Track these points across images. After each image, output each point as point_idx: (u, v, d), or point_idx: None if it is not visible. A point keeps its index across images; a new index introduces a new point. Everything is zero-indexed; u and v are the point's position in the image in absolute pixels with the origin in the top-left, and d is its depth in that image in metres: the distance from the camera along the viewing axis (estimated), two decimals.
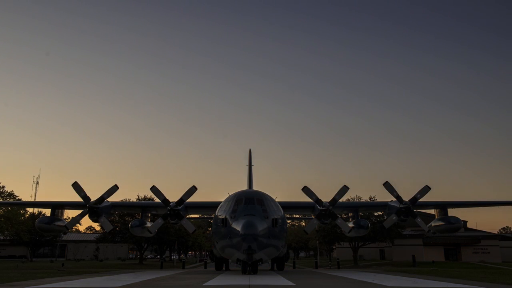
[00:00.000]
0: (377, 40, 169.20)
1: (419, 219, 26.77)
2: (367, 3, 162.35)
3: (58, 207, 30.24)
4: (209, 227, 61.93)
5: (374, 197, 44.48)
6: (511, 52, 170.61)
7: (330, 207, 25.93)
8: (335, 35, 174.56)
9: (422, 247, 57.35)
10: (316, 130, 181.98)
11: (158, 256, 72.76)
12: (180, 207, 26.27)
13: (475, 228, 73.02)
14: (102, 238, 56.09)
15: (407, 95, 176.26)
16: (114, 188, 25.53)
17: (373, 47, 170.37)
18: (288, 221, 56.47)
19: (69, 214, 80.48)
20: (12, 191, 42.74)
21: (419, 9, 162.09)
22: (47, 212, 47.20)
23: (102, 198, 26.01)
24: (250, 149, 39.89)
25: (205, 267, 38.06)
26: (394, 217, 26.98)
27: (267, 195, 24.80)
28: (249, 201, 22.32)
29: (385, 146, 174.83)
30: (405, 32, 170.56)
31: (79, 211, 27.64)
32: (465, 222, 67.35)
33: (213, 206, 27.60)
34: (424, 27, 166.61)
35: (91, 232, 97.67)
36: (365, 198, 45.63)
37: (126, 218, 48.59)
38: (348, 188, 25.40)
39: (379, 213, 44.64)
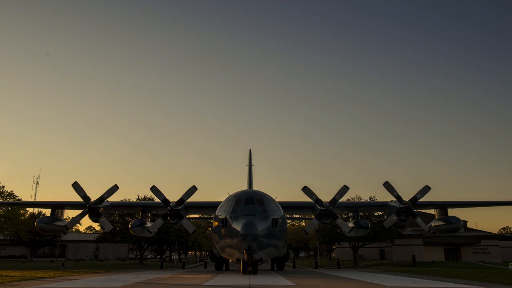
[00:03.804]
0: (377, 40, 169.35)
1: (419, 219, 26.77)
2: (369, 4, 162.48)
3: (58, 207, 30.27)
4: (209, 227, 62.02)
5: (374, 197, 44.50)
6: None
7: (330, 207, 25.95)
8: (334, 35, 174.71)
9: (422, 247, 57.33)
10: (316, 130, 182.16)
11: (158, 256, 72.75)
12: (180, 207, 26.29)
13: (475, 228, 73.05)
14: (102, 238, 56.12)
15: (407, 95, 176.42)
16: (114, 188, 25.56)
17: (373, 47, 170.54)
18: (288, 221, 56.52)
19: (69, 214, 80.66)
20: (12, 191, 42.78)
21: (422, 9, 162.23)
22: (47, 212, 47.21)
23: (102, 198, 26.03)
24: (250, 149, 39.97)
25: (205, 267, 38.05)
26: (394, 217, 26.99)
27: (267, 195, 24.83)
28: (249, 201, 22.36)
29: (385, 146, 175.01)
30: (406, 32, 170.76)
31: (79, 211, 27.67)
32: (465, 222, 67.35)
33: (213, 206, 27.64)
34: (426, 27, 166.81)
35: (91, 232, 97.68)
36: (365, 198, 45.64)
37: (126, 218, 48.59)
38: (348, 188, 25.43)
39: (379, 213, 44.63)
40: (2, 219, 42.55)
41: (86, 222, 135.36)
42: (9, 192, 42.41)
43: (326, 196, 26.30)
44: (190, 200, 26.15)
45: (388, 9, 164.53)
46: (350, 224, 29.00)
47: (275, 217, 22.16)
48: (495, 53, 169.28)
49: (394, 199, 26.58)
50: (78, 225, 76.43)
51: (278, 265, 29.70)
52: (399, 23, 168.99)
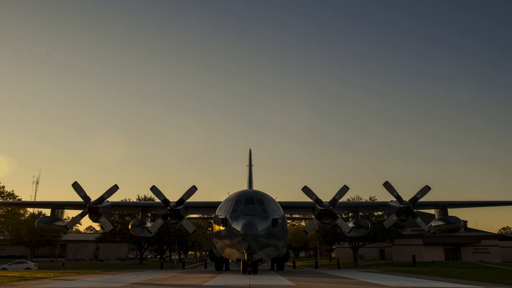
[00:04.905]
0: (378, 39, 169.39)
1: (419, 219, 26.77)
2: (368, 11, 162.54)
3: (58, 207, 30.28)
4: (209, 227, 62.04)
5: (374, 197, 44.55)
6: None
7: (330, 207, 25.94)
8: (335, 35, 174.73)
9: (422, 247, 57.33)
10: (316, 130, 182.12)
11: (158, 256, 72.76)
12: (180, 207, 26.29)
13: (475, 228, 73.04)
14: (102, 238, 56.25)
15: (407, 95, 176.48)
16: (114, 188, 25.56)
17: (373, 47, 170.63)
18: (288, 221, 56.52)
19: (69, 214, 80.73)
20: (12, 191, 42.78)
21: (420, 16, 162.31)
22: (47, 212, 47.22)
23: (102, 198, 26.02)
24: (250, 149, 39.99)
25: (205, 267, 38.04)
26: (394, 217, 26.98)
27: (267, 195, 24.83)
28: (249, 201, 22.36)
29: (385, 146, 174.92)
30: (405, 33, 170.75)
31: (79, 211, 27.68)
32: (465, 222, 67.37)
33: (213, 206, 27.65)
34: (424, 33, 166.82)
35: (91, 232, 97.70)
36: (365, 198, 45.68)
37: (126, 218, 48.70)
38: (348, 188, 25.44)
39: (379, 213, 44.67)
40: (2, 219, 42.57)
41: (86, 222, 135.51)
42: (9, 192, 42.44)
43: (326, 196, 26.37)
44: (190, 200, 26.16)
45: (389, 16, 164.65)
46: (350, 224, 28.98)
47: (275, 217, 22.15)
48: (492, 58, 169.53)
49: (394, 199, 26.57)
50: (78, 225, 76.61)
51: (278, 265, 29.70)
52: (399, 29, 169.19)
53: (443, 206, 30.06)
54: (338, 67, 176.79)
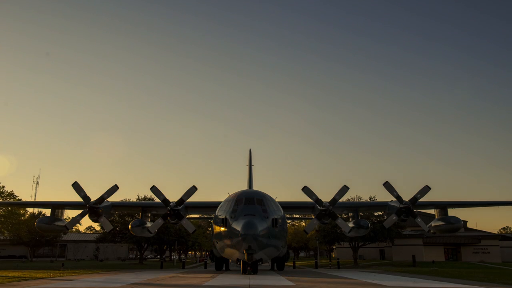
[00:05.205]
0: (377, 42, 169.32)
1: (419, 219, 26.76)
2: (369, 6, 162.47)
3: (58, 207, 30.27)
4: (209, 227, 62.05)
5: (374, 197, 44.53)
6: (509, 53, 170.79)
7: (330, 207, 25.94)
8: (335, 32, 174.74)
9: (422, 247, 57.32)
10: (316, 130, 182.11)
11: (158, 256, 72.73)
12: (180, 207, 26.29)
13: (475, 228, 73.01)
14: (102, 238, 56.18)
15: (406, 95, 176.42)
16: (114, 188, 25.56)
17: (374, 44, 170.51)
18: (288, 221, 56.50)
19: (69, 214, 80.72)
20: (12, 191, 42.76)
21: (422, 12, 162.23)
22: (47, 212, 47.20)
23: (102, 198, 26.02)
24: (250, 149, 39.99)
25: (205, 267, 38.03)
26: (394, 217, 26.97)
27: (267, 195, 24.83)
28: (249, 201, 22.37)
29: (385, 146, 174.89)
30: (403, 35, 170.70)
31: (79, 211, 27.66)
32: (465, 222, 67.34)
33: (213, 206, 27.64)
34: (426, 30, 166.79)
35: (91, 232, 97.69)
36: (365, 198, 45.67)
37: (126, 218, 48.66)
38: (348, 188, 25.44)
39: (379, 213, 44.65)
40: (2, 219, 42.54)
41: (86, 222, 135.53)
42: (9, 192, 42.41)
43: (326, 196, 26.36)
44: (190, 200, 26.15)
45: (388, 13, 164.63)
46: (350, 224, 28.97)
47: (275, 217, 22.16)
48: (493, 55, 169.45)
49: (394, 199, 26.56)
50: (78, 225, 76.51)
51: (278, 265, 29.69)
52: (399, 26, 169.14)
53: (443, 206, 30.05)
54: (338, 64, 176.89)
